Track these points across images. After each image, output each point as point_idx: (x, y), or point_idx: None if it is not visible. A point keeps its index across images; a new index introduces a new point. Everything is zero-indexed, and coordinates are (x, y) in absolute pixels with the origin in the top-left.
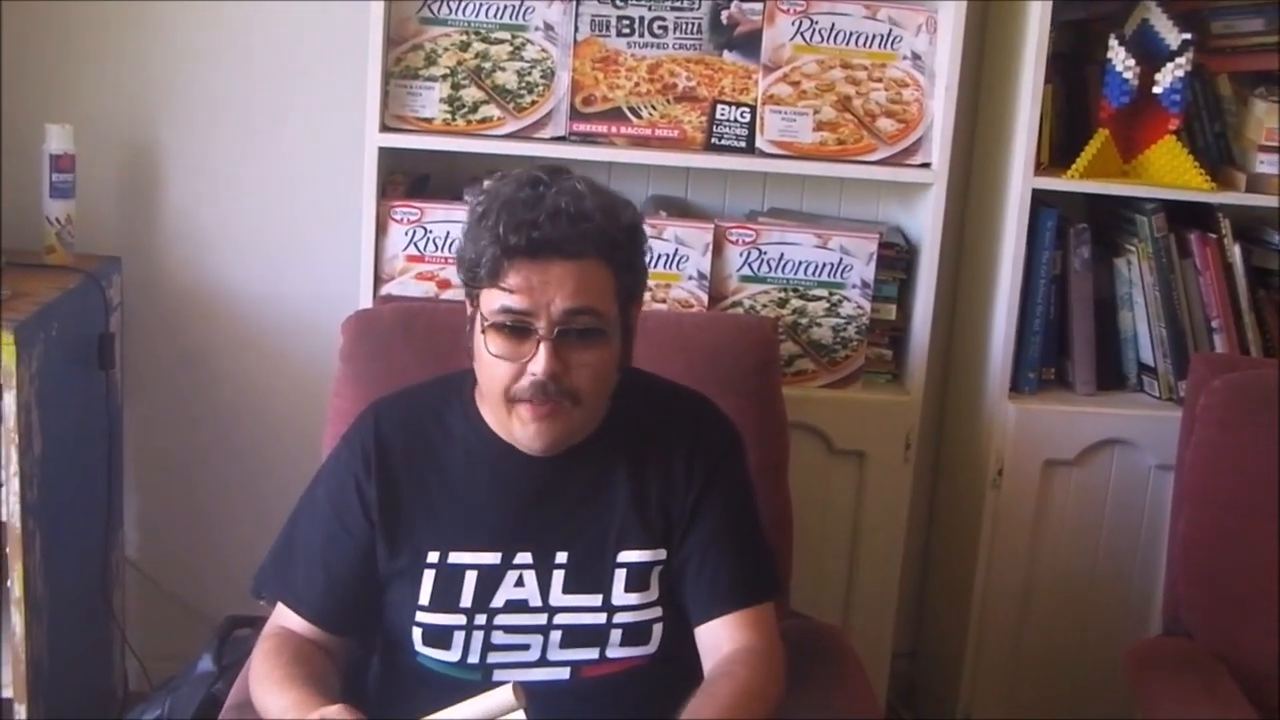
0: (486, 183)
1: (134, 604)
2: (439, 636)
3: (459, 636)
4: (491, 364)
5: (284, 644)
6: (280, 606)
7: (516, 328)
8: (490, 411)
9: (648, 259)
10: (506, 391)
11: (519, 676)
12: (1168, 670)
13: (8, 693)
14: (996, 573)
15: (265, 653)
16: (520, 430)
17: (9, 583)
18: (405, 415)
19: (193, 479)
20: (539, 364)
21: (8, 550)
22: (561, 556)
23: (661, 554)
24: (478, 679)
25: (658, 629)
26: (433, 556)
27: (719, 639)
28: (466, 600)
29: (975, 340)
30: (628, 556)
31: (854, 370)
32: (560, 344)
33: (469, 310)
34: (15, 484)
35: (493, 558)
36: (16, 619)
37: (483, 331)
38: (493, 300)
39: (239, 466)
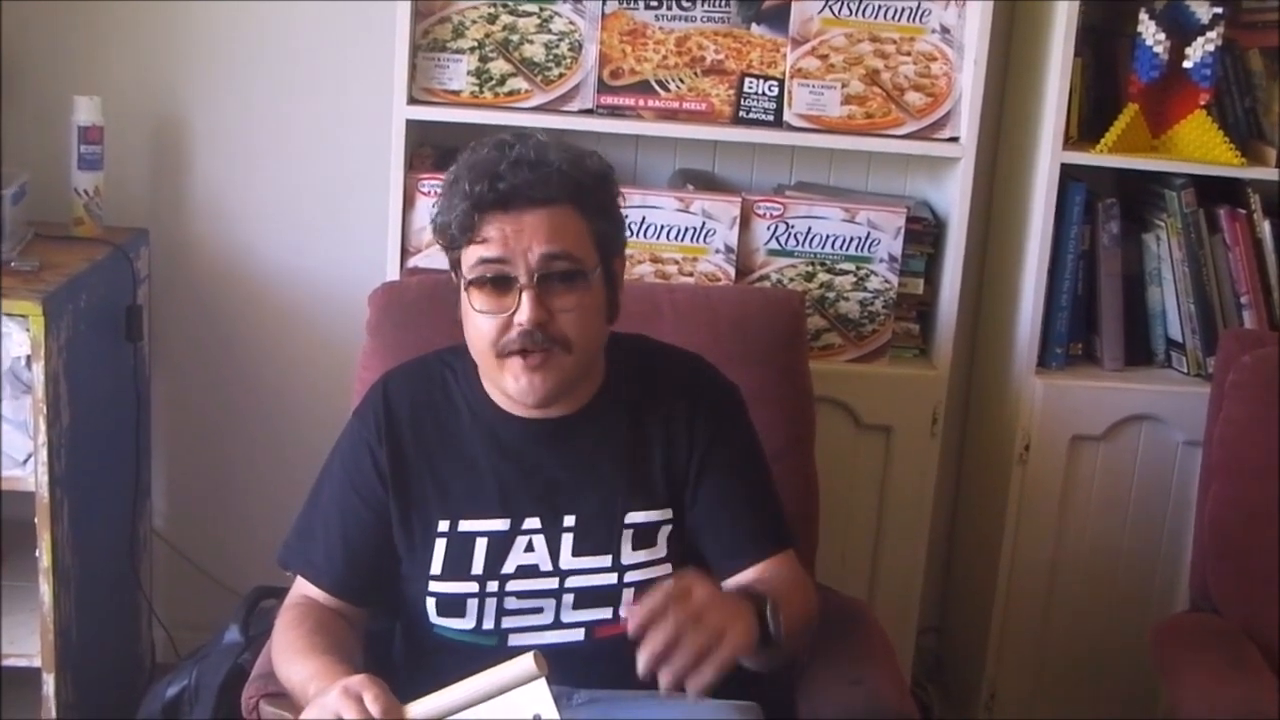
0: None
1: (161, 575)
2: (452, 605)
3: (472, 604)
4: (478, 321)
5: (306, 614)
6: (301, 578)
7: (497, 280)
8: (484, 374)
9: (623, 208)
10: (495, 346)
11: (534, 640)
12: (1194, 646)
13: (35, 662)
14: (1023, 548)
15: (287, 623)
16: (513, 385)
17: (37, 553)
18: (412, 386)
19: (220, 450)
20: (524, 313)
21: (36, 520)
22: (569, 520)
23: (668, 514)
24: (494, 644)
25: None
26: (443, 525)
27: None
28: (478, 567)
29: (1003, 315)
30: (635, 518)
31: (881, 345)
32: (542, 291)
33: (454, 281)
34: (43, 454)
35: (501, 524)
36: (44, 589)
37: (466, 290)
38: (471, 256)
39: (266, 438)
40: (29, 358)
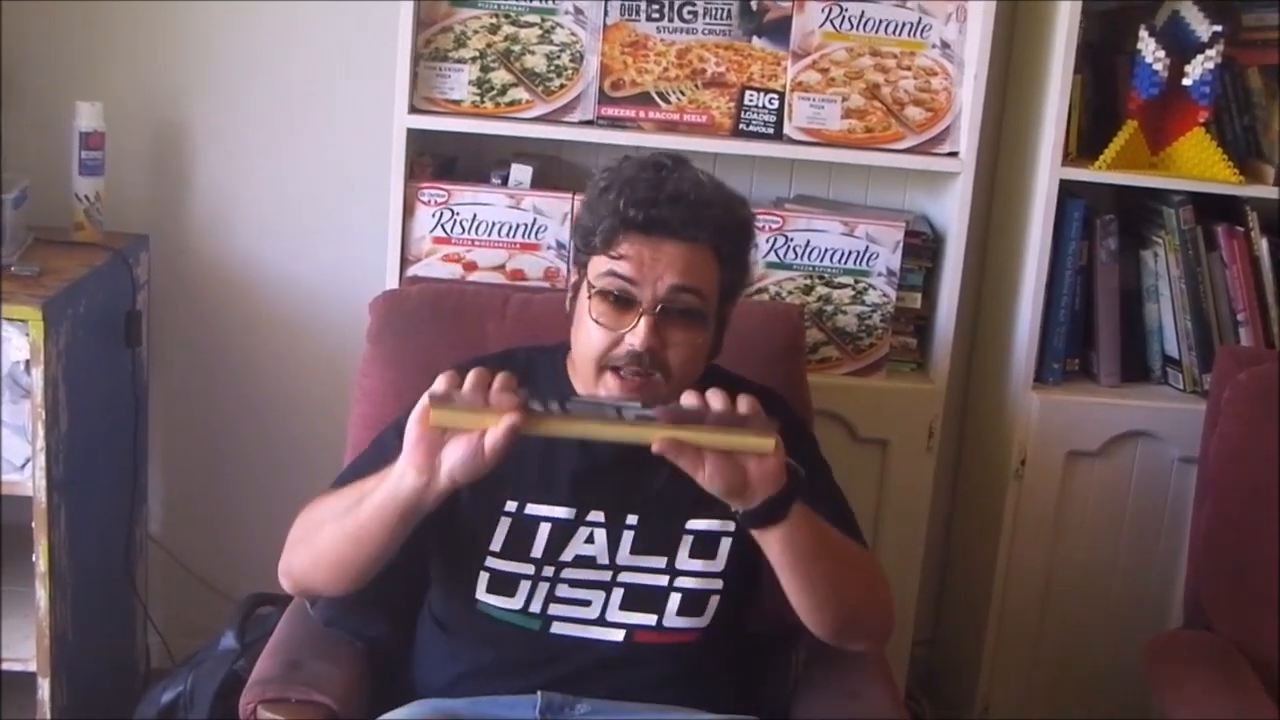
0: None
1: (157, 581)
2: (505, 584)
3: (525, 585)
4: (590, 329)
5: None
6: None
7: (621, 297)
8: (579, 378)
9: (754, 258)
10: (600, 358)
11: (575, 632)
12: (1187, 662)
13: (30, 666)
14: (1017, 563)
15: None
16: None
17: (34, 557)
18: (500, 368)
19: (217, 457)
20: (637, 336)
21: (33, 525)
22: (633, 519)
23: (730, 526)
24: (537, 629)
25: (714, 602)
26: (510, 506)
27: None
28: (538, 551)
29: (1000, 330)
30: (696, 524)
31: (878, 358)
32: (660, 319)
33: (574, 278)
34: (41, 459)
35: (567, 513)
36: (41, 593)
37: (589, 296)
38: (601, 265)
39: (264, 445)
40: (28, 362)
